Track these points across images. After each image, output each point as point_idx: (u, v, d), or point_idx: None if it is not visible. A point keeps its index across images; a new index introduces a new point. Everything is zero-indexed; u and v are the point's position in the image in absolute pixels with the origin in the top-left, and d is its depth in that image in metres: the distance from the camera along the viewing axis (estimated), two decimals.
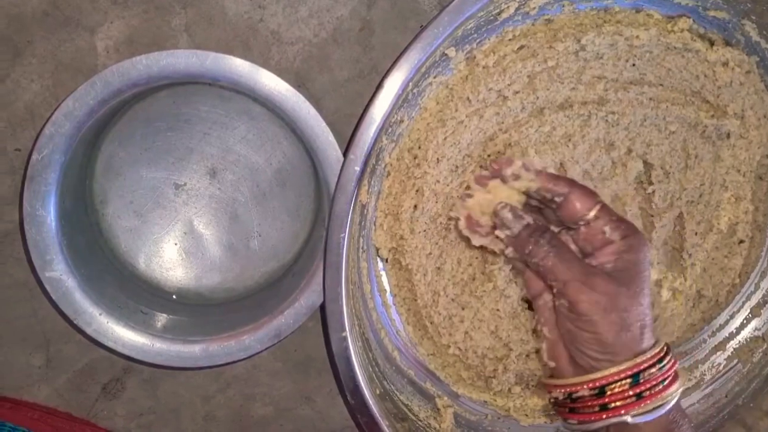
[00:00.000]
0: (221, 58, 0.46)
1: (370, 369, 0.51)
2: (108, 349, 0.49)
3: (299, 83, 0.54)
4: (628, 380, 0.43)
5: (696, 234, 0.59)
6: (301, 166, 0.55)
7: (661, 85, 0.55)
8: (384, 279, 0.56)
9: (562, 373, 0.47)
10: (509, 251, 0.49)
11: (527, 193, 0.49)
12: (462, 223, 0.51)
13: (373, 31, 0.54)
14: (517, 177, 0.49)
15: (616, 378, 0.44)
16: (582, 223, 0.47)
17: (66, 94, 0.47)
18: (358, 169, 0.45)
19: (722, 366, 0.62)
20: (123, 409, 0.57)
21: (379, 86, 0.46)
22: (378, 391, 0.51)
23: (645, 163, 0.56)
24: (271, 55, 0.53)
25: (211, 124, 0.54)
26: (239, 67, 0.46)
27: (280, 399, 0.59)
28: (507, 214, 0.48)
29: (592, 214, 0.46)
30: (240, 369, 0.58)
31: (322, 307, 0.48)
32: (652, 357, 0.44)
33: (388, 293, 0.56)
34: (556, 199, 0.47)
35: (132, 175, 0.54)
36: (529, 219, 0.48)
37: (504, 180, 0.49)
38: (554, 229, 0.49)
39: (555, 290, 0.46)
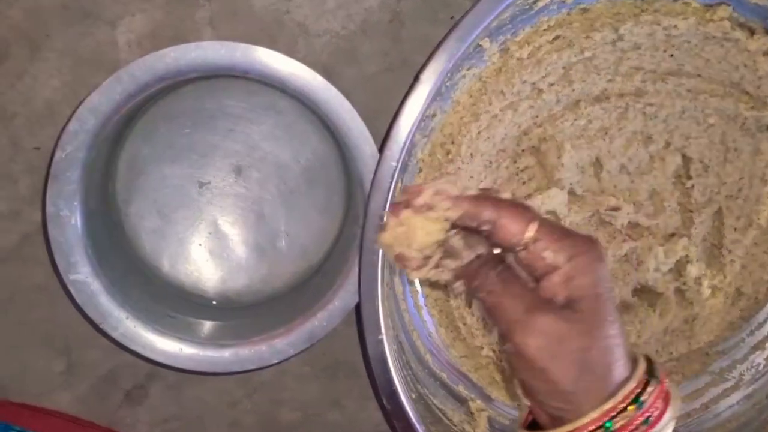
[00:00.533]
0: (251, 50, 0.44)
1: (405, 372, 0.49)
2: (136, 354, 0.48)
3: (326, 77, 0.52)
4: (601, 430, 0.34)
5: (735, 230, 0.57)
6: (331, 162, 0.53)
7: (700, 75, 0.53)
8: (416, 280, 0.54)
9: (539, 418, 0.38)
10: (458, 285, 0.39)
11: (452, 223, 0.38)
12: (390, 258, 0.40)
13: (403, 23, 0.52)
14: (430, 207, 0.38)
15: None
16: (520, 248, 0.37)
17: (86, 90, 0.46)
18: (395, 164, 0.43)
19: (762, 366, 0.60)
20: (146, 416, 0.55)
21: (416, 79, 0.44)
22: (413, 395, 0.49)
23: (683, 156, 0.54)
24: (297, 48, 0.51)
25: (236, 119, 0.52)
26: (270, 58, 0.44)
27: (308, 404, 0.57)
28: (457, 242, 0.38)
29: (528, 235, 0.36)
30: (267, 374, 0.56)
31: (358, 309, 0.46)
32: (626, 397, 0.35)
33: (420, 294, 0.55)
34: (483, 227, 0.37)
35: (155, 173, 0.52)
36: (482, 249, 0.38)
37: (416, 211, 0.38)
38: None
39: (499, 334, 0.37)
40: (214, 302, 0.54)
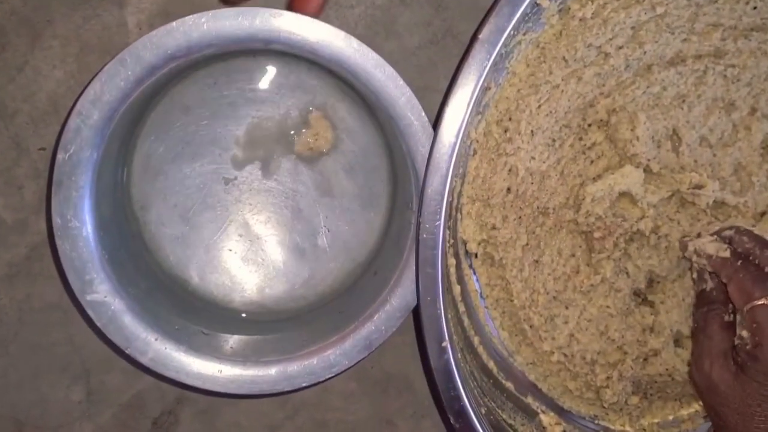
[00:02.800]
0: (273, 14, 0.38)
1: (472, 384, 0.43)
2: (170, 381, 0.42)
3: None
4: None
5: None
6: (372, 145, 0.47)
7: None
8: (473, 278, 0.48)
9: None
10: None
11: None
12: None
13: None
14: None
15: None
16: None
17: None
18: (454, 140, 0.37)
19: None
20: None
21: (473, 39, 0.38)
22: (483, 410, 0.43)
23: None
24: (328, 22, 0.45)
25: (260, 105, 0.46)
26: (296, 23, 0.38)
27: (356, 425, 0.52)
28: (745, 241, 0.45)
29: (745, 309, 0.44)
30: (309, 392, 0.51)
31: (415, 313, 0.40)
32: None
33: (479, 294, 0.48)
34: (723, 279, 0.45)
35: (174, 173, 0.47)
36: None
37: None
38: None
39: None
40: (253, 315, 0.49)
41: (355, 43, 0.39)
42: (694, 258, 0.46)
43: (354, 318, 0.43)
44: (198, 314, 0.47)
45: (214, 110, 0.46)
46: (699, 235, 0.47)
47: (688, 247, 0.47)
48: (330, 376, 0.42)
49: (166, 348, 0.42)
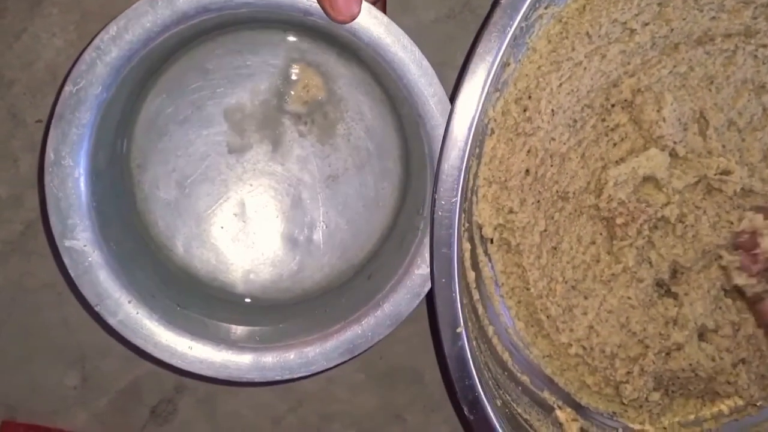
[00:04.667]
0: None
1: (487, 375, 0.41)
2: (134, 347, 0.40)
3: None
4: None
5: None
6: (387, 144, 0.46)
7: None
8: (488, 264, 0.46)
9: None
10: None
11: None
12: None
13: None
14: None
15: None
16: None
17: None
18: (472, 114, 0.35)
19: None
20: None
21: (491, 11, 0.36)
22: (498, 402, 0.41)
23: None
24: None
25: (282, 81, 0.44)
26: None
27: (363, 418, 0.50)
28: None
29: None
30: (313, 384, 0.49)
31: (430, 298, 0.37)
32: None
33: (494, 282, 0.46)
34: None
35: (179, 136, 0.44)
36: None
37: None
38: None
39: None
40: (230, 296, 0.46)
41: (396, 30, 0.37)
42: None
43: (339, 319, 0.41)
44: (177, 287, 0.44)
45: (232, 79, 0.44)
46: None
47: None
48: (305, 374, 0.40)
49: (137, 313, 0.39)
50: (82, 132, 0.37)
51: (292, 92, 0.45)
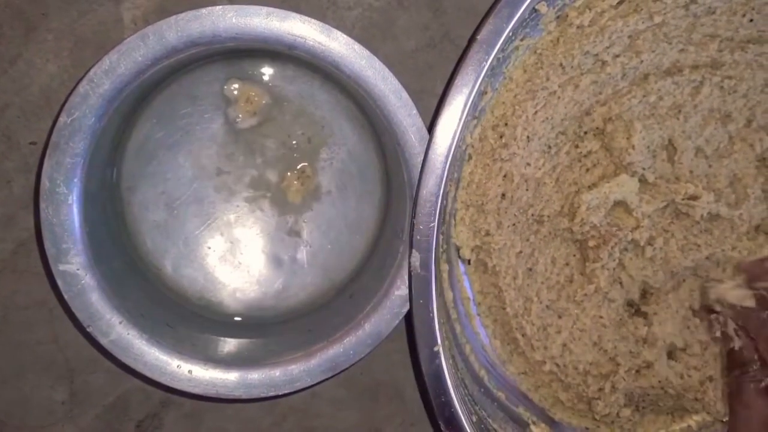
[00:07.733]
0: (303, 20, 0.39)
1: (463, 391, 0.42)
2: (124, 366, 0.41)
3: None
4: None
5: None
6: (369, 168, 0.47)
7: None
8: (466, 284, 0.47)
9: None
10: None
11: None
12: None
13: None
14: None
15: None
16: None
17: None
18: (450, 142, 0.37)
19: None
20: None
21: (471, 40, 0.38)
22: (474, 419, 0.42)
23: None
24: (325, 23, 0.45)
25: (270, 109, 0.45)
26: (324, 32, 0.39)
27: None
28: None
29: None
30: (297, 398, 0.49)
31: (408, 318, 0.39)
32: None
33: (471, 302, 0.48)
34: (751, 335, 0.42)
35: (168, 160, 0.46)
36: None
37: None
38: None
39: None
40: (217, 315, 0.48)
41: (377, 64, 0.39)
42: (718, 308, 0.43)
43: (323, 337, 0.42)
44: (166, 306, 0.46)
45: (219, 105, 0.46)
46: (721, 282, 0.44)
47: (710, 295, 0.43)
48: (289, 391, 0.41)
49: (128, 333, 0.40)
50: (76, 160, 0.38)
51: (277, 114, 0.46)
